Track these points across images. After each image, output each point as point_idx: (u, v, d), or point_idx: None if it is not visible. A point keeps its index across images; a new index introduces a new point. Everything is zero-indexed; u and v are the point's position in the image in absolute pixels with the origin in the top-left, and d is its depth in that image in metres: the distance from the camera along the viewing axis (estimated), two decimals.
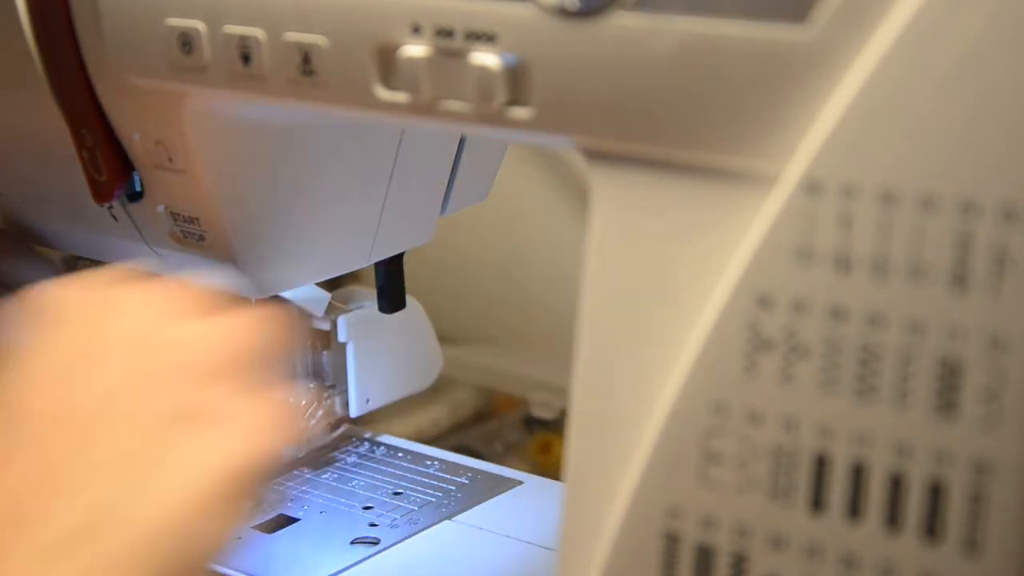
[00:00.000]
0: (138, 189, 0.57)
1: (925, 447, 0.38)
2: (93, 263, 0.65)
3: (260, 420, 0.49)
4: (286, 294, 0.67)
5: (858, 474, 0.39)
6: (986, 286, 0.36)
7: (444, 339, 0.75)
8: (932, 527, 0.38)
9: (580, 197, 0.87)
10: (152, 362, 0.49)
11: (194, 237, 0.58)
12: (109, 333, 0.49)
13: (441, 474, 0.69)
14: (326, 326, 0.69)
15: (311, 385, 0.70)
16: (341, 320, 0.69)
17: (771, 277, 0.39)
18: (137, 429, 0.47)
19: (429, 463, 0.71)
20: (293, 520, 0.66)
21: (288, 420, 0.51)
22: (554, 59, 0.42)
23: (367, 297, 0.70)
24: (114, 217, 0.60)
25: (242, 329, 0.51)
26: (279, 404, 0.52)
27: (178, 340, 0.50)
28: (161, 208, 0.58)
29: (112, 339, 0.49)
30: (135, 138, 0.55)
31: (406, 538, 0.64)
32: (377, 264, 0.66)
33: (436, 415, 0.90)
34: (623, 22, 0.40)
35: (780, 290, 0.39)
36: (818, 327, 0.39)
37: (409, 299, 0.69)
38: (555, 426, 0.88)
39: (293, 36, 0.47)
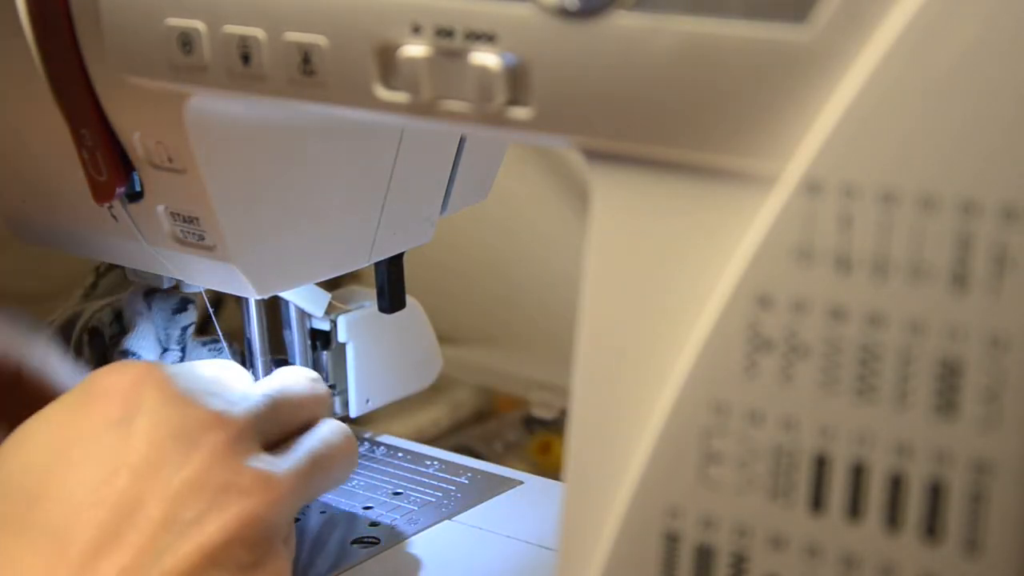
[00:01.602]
0: (138, 189, 0.57)
1: (925, 447, 0.38)
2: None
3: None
4: (286, 294, 0.67)
5: (858, 474, 0.39)
6: (986, 286, 0.36)
7: (444, 339, 0.75)
8: (932, 527, 0.38)
9: (580, 197, 0.87)
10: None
11: (194, 237, 0.57)
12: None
13: (441, 474, 0.69)
14: (326, 326, 0.69)
15: None
16: (341, 320, 0.69)
17: (771, 277, 0.39)
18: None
19: (429, 463, 0.71)
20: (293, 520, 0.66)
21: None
22: (554, 59, 0.42)
23: (367, 297, 0.70)
24: (114, 217, 0.60)
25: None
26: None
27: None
28: (161, 208, 0.58)
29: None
30: (135, 138, 0.55)
31: (406, 538, 0.64)
32: (377, 264, 0.66)
33: (436, 415, 0.90)
34: (623, 22, 0.40)
35: (780, 290, 0.39)
36: (818, 327, 0.39)
37: (409, 299, 0.69)
38: (555, 426, 0.89)
39: (293, 36, 0.47)
